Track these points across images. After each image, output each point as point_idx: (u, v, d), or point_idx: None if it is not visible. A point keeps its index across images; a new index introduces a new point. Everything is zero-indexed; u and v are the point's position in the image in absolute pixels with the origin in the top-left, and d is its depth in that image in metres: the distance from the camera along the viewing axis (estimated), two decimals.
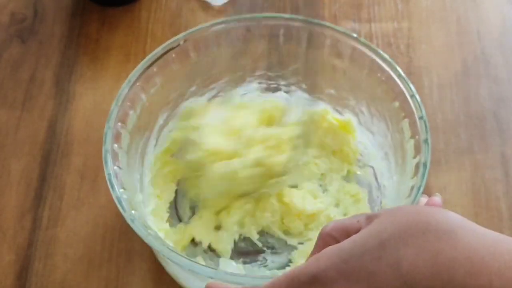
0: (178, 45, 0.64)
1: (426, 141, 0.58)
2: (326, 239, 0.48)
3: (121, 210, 0.56)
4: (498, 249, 0.41)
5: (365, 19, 0.81)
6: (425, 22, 0.82)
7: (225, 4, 0.83)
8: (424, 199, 0.55)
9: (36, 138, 0.73)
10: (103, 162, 0.58)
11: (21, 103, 0.75)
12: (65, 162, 0.71)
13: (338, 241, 0.47)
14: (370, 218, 0.46)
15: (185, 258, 0.53)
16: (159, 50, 0.64)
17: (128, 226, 0.67)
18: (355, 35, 0.65)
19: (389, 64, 0.62)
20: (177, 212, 0.67)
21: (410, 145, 0.60)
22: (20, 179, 0.70)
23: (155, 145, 0.68)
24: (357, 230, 0.46)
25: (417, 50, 0.80)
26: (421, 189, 0.56)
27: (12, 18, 0.82)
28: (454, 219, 0.43)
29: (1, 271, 0.65)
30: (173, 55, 0.64)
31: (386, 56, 0.63)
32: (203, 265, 0.53)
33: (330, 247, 0.46)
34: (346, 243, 0.45)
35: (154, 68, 0.64)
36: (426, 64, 0.78)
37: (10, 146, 0.72)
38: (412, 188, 0.57)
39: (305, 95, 0.70)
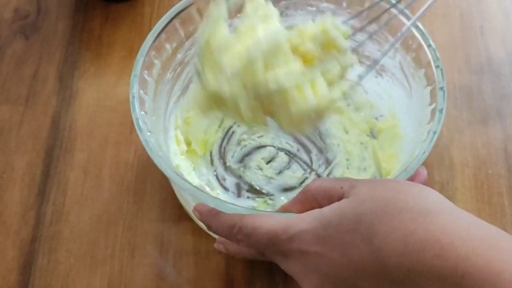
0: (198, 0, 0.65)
1: (441, 110, 0.59)
2: (310, 199, 0.50)
3: (148, 151, 0.56)
4: (470, 234, 0.42)
5: None
6: (428, 18, 0.82)
7: None
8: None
9: (40, 134, 0.73)
10: (131, 107, 0.58)
11: (24, 99, 0.76)
12: (68, 158, 0.71)
13: (320, 204, 0.49)
14: (353, 186, 0.47)
15: (209, 195, 0.54)
16: (182, 3, 0.64)
17: (131, 221, 0.67)
18: (393, 1, 0.64)
19: (422, 34, 0.62)
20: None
21: (427, 112, 0.60)
22: (23, 175, 0.70)
23: (180, 95, 0.69)
24: (339, 197, 0.48)
25: None
26: (437, 133, 0.57)
27: (16, 14, 0.82)
28: (433, 199, 0.45)
29: (5, 267, 0.65)
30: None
31: (420, 25, 0.63)
32: (231, 203, 0.54)
33: (313, 211, 0.47)
34: (327, 210, 0.47)
35: (178, 21, 0.64)
36: None
37: (13, 142, 0.73)
38: (428, 132, 0.58)
39: None
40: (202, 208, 0.54)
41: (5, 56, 0.79)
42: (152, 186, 0.69)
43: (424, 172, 0.55)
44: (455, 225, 0.43)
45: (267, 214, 0.50)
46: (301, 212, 0.49)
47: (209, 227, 0.54)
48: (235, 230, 0.50)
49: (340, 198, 0.48)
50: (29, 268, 0.65)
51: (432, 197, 0.45)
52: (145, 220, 0.68)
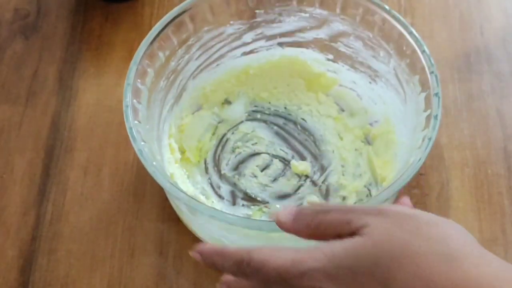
0: (191, 7, 0.65)
1: (436, 117, 0.58)
2: (320, 228, 0.48)
3: (143, 161, 0.56)
4: (496, 280, 0.40)
5: None
6: (428, 18, 0.82)
7: None
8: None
9: (40, 134, 0.73)
10: (124, 117, 0.58)
11: (24, 99, 0.76)
12: (68, 158, 0.71)
13: (324, 237, 0.47)
14: (366, 224, 0.45)
15: (204, 205, 0.55)
16: (174, 11, 0.65)
17: (131, 221, 0.67)
18: (387, 7, 0.64)
19: (416, 40, 0.62)
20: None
21: (422, 118, 0.60)
22: (23, 175, 0.70)
23: (173, 103, 0.69)
24: (349, 232, 0.45)
25: None
26: (432, 140, 0.56)
27: (16, 14, 0.82)
28: (456, 243, 0.43)
29: (5, 266, 0.65)
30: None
31: (414, 31, 0.63)
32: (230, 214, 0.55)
33: (323, 247, 0.45)
34: (338, 249, 0.44)
35: (170, 28, 0.65)
36: None
37: (13, 142, 0.73)
38: (423, 138, 0.58)
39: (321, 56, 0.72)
40: (203, 249, 0.51)
41: (5, 56, 0.79)
42: (152, 186, 0.69)
43: (406, 200, 0.53)
44: (480, 271, 0.41)
45: (275, 247, 0.48)
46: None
47: (214, 266, 0.51)
48: (244, 265, 0.48)
49: (350, 233, 0.45)
50: (29, 268, 0.65)
51: (455, 239, 0.43)
52: (145, 220, 0.68)
